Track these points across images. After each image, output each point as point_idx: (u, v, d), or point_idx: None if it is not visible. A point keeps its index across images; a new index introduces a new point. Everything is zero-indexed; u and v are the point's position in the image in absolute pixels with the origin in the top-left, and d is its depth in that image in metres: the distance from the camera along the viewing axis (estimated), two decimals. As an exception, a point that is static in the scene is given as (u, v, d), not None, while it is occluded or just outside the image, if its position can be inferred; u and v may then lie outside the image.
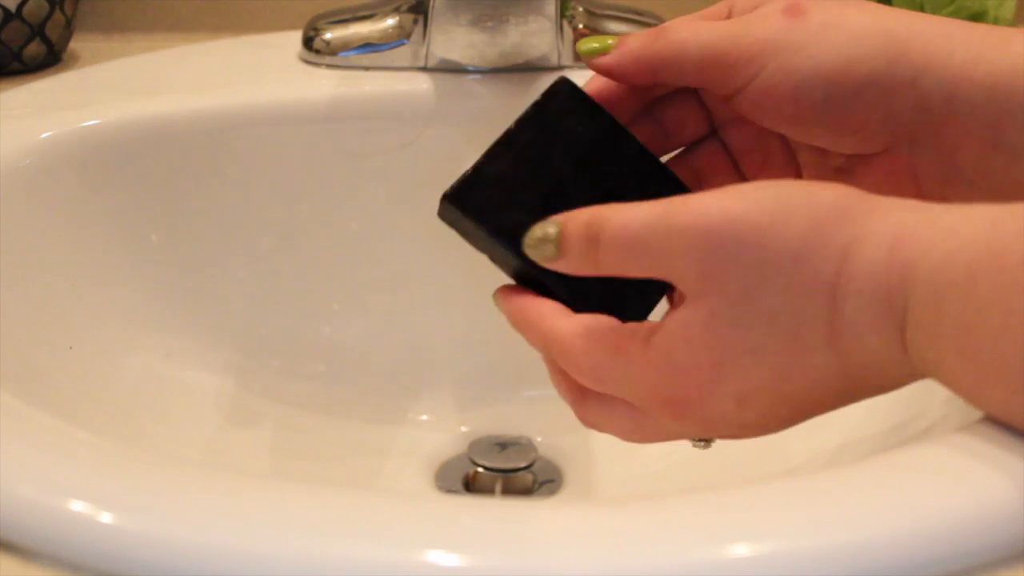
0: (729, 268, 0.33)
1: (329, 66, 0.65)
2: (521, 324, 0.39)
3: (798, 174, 0.41)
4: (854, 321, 0.32)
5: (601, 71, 0.40)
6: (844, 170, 0.40)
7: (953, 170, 0.38)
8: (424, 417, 0.63)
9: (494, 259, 0.40)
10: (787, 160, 0.41)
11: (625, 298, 0.38)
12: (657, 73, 0.39)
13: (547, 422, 0.62)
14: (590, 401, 0.38)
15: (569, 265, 0.36)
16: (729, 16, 0.40)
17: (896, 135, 0.38)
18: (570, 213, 0.36)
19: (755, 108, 0.39)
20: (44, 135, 0.57)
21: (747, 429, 0.35)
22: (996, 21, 0.67)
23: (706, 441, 0.40)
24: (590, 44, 0.40)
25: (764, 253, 0.32)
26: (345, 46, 0.65)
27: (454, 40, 0.62)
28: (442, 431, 0.62)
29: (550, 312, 0.38)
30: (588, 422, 0.39)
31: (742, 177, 0.42)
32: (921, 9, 0.67)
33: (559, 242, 0.35)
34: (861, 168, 0.39)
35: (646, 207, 0.34)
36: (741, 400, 0.34)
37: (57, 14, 0.69)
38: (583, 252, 0.35)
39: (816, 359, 0.33)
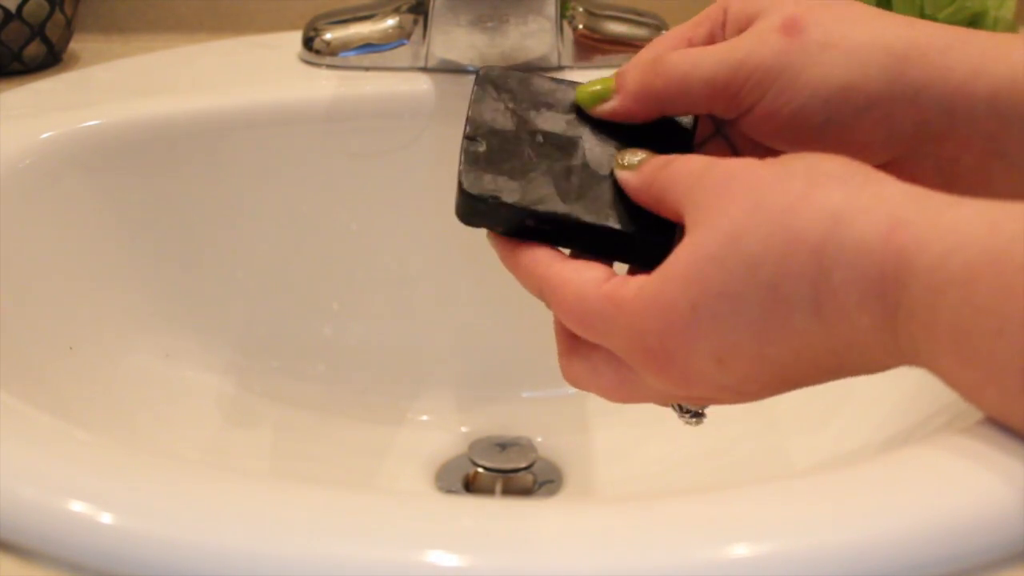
0: (726, 205, 0.34)
1: (329, 66, 0.65)
2: (515, 267, 0.39)
3: None
4: (842, 292, 0.32)
5: (609, 118, 0.40)
6: None
7: (953, 178, 0.38)
8: (424, 417, 0.63)
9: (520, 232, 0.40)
10: None
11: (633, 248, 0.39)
12: (662, 109, 0.40)
13: (547, 422, 0.62)
14: (577, 355, 0.38)
15: (639, 174, 0.38)
16: (724, 25, 0.40)
17: (896, 150, 0.38)
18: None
19: (756, 130, 0.39)
20: (44, 135, 0.57)
21: (726, 391, 0.35)
22: (996, 21, 0.67)
23: (697, 416, 0.40)
24: (587, 91, 0.41)
25: (759, 200, 0.33)
26: (345, 46, 0.65)
27: (454, 40, 0.62)
28: (442, 431, 0.62)
29: (545, 257, 0.38)
30: (571, 377, 0.39)
31: None
32: (921, 9, 0.67)
33: (642, 162, 0.38)
34: None
35: (702, 157, 0.37)
36: (720, 359, 0.34)
37: (57, 14, 0.69)
38: (654, 169, 0.37)
39: (797, 322, 0.33)
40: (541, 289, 0.38)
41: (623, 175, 0.38)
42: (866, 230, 0.32)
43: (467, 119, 0.41)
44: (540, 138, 0.40)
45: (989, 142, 0.37)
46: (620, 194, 0.39)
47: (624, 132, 0.41)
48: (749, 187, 0.34)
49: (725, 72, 0.38)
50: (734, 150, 0.42)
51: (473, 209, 0.39)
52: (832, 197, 0.32)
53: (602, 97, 0.40)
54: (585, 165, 0.39)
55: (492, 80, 0.42)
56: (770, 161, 0.35)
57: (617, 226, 0.38)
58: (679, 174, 0.36)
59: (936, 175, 0.38)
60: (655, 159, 0.38)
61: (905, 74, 0.37)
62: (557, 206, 0.38)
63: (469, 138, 0.40)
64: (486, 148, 0.40)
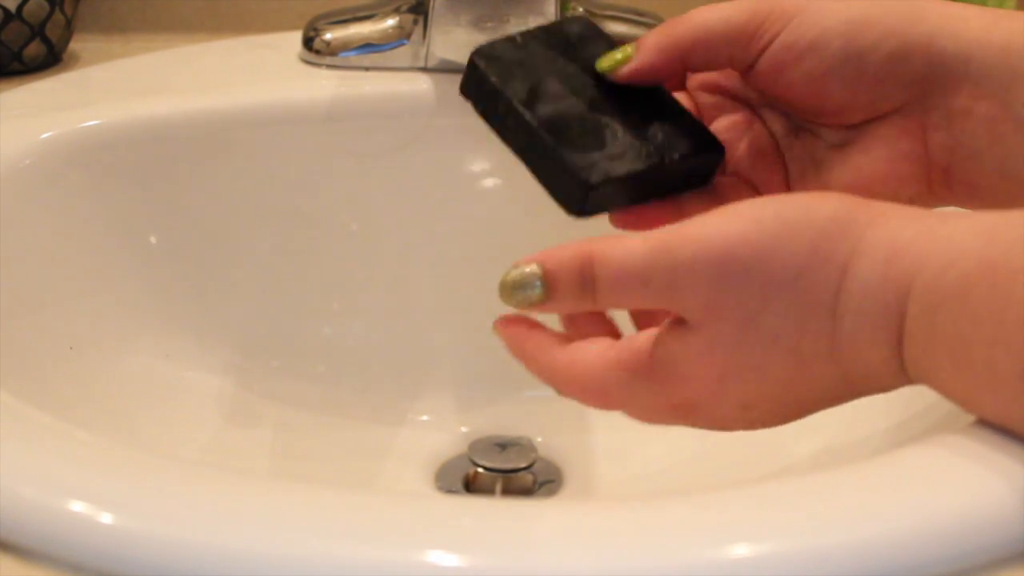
0: (732, 297, 0.33)
1: (329, 66, 0.65)
2: (521, 355, 0.38)
3: (783, 164, 0.41)
4: (853, 337, 0.32)
5: (631, 79, 0.40)
6: (841, 147, 0.40)
7: (962, 138, 0.38)
8: (424, 417, 0.63)
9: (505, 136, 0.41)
10: (774, 148, 0.42)
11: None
12: (685, 59, 0.40)
13: (547, 422, 0.62)
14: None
15: (561, 307, 0.35)
16: None
17: (908, 93, 0.38)
18: (548, 252, 0.35)
19: (774, 68, 0.39)
20: (44, 135, 0.57)
21: (744, 423, 0.35)
22: (996, 21, 0.67)
23: None
24: (611, 59, 0.40)
25: (767, 276, 0.32)
26: (345, 46, 0.65)
27: (454, 40, 0.62)
28: (442, 431, 0.62)
29: (548, 345, 0.37)
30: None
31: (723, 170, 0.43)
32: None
33: (545, 285, 0.35)
34: (864, 141, 0.40)
35: (641, 241, 0.33)
36: (746, 406, 0.34)
37: (57, 14, 0.69)
38: (577, 293, 0.34)
39: (817, 370, 0.33)
40: (550, 379, 0.37)
41: (529, 303, 0.35)
42: (869, 269, 0.32)
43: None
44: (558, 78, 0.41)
45: (1001, 95, 0.37)
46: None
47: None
48: (751, 268, 0.32)
49: (746, 11, 0.39)
50: None
51: (468, 79, 0.41)
52: (841, 248, 0.32)
53: (624, 61, 0.40)
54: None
55: (486, 55, 0.41)
56: (766, 222, 0.33)
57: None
58: (620, 283, 0.34)
59: (945, 132, 0.38)
60: (562, 277, 0.34)
61: (923, 17, 0.38)
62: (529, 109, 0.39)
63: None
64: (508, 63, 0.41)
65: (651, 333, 0.35)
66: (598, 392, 0.36)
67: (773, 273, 0.32)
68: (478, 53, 0.41)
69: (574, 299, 0.34)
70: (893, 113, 0.39)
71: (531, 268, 0.35)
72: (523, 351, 0.38)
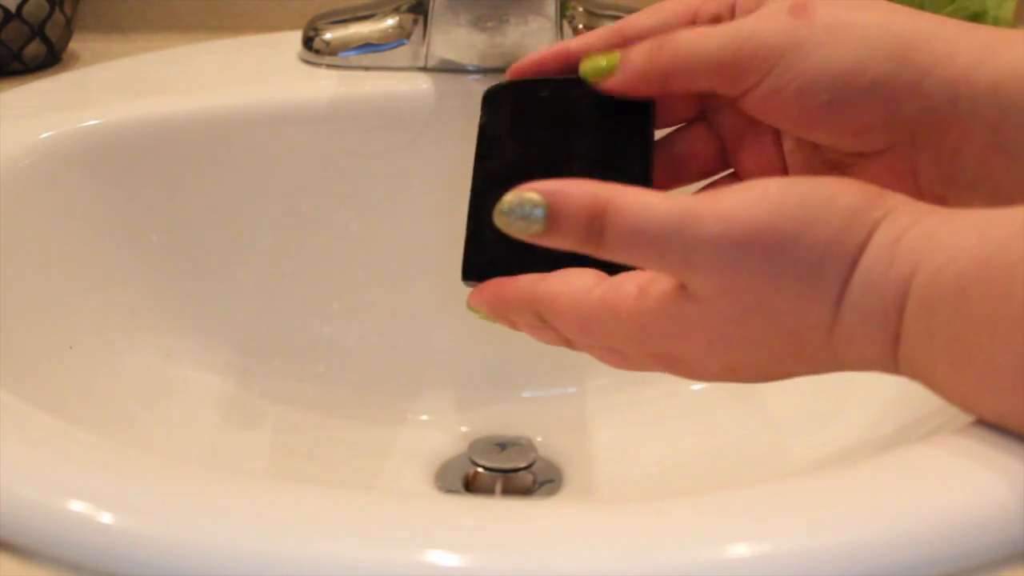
0: (748, 280, 0.32)
1: (329, 66, 0.65)
2: (500, 307, 0.38)
3: (784, 165, 0.41)
4: (849, 332, 0.33)
5: (611, 93, 0.40)
6: (838, 165, 0.40)
7: (953, 172, 0.38)
8: (424, 417, 0.63)
9: None
10: (776, 149, 0.42)
11: None
12: (665, 86, 0.40)
13: (547, 422, 0.62)
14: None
15: (561, 243, 0.34)
16: (733, 9, 0.40)
17: (897, 136, 0.38)
18: (559, 187, 0.33)
19: (759, 109, 0.39)
20: (44, 135, 0.57)
21: (727, 380, 0.36)
22: (996, 21, 0.67)
23: None
24: (593, 63, 0.40)
25: (784, 265, 0.32)
26: (345, 46, 0.65)
27: (454, 40, 0.62)
28: (442, 431, 0.62)
29: (528, 281, 0.37)
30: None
31: (726, 163, 0.43)
32: (920, 8, 0.67)
33: (547, 221, 0.33)
34: (857, 167, 0.40)
35: (665, 202, 0.32)
36: (732, 368, 0.35)
37: (57, 14, 0.69)
38: (581, 238, 0.33)
39: (811, 352, 0.34)
40: (536, 311, 0.37)
41: (527, 234, 0.34)
42: (872, 268, 0.32)
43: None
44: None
45: (991, 133, 0.37)
46: None
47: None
48: (772, 256, 0.32)
49: (731, 48, 0.38)
50: (717, 135, 0.42)
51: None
52: (854, 241, 0.32)
53: (607, 71, 0.40)
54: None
55: (495, 93, 0.42)
56: (792, 208, 0.32)
57: None
58: (632, 243, 0.33)
59: (935, 167, 0.38)
60: (568, 219, 0.33)
61: (911, 58, 0.37)
62: None
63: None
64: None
65: (643, 280, 0.35)
66: (579, 325, 0.36)
67: (791, 262, 0.32)
68: (491, 90, 0.43)
69: (575, 243, 0.33)
70: (882, 152, 0.39)
71: (534, 196, 0.33)
72: (504, 302, 0.38)
